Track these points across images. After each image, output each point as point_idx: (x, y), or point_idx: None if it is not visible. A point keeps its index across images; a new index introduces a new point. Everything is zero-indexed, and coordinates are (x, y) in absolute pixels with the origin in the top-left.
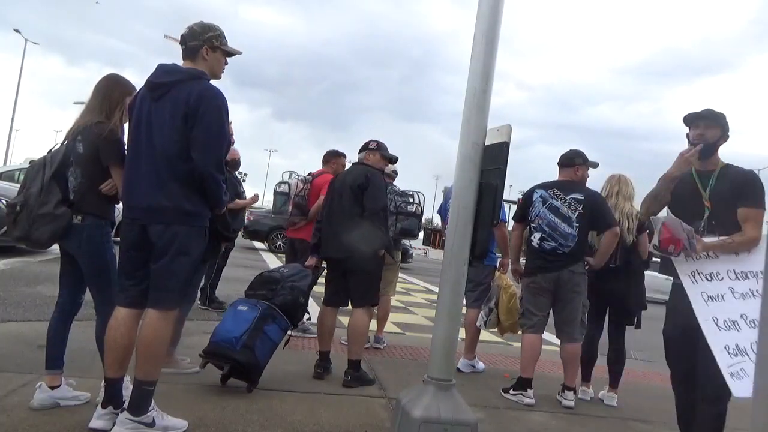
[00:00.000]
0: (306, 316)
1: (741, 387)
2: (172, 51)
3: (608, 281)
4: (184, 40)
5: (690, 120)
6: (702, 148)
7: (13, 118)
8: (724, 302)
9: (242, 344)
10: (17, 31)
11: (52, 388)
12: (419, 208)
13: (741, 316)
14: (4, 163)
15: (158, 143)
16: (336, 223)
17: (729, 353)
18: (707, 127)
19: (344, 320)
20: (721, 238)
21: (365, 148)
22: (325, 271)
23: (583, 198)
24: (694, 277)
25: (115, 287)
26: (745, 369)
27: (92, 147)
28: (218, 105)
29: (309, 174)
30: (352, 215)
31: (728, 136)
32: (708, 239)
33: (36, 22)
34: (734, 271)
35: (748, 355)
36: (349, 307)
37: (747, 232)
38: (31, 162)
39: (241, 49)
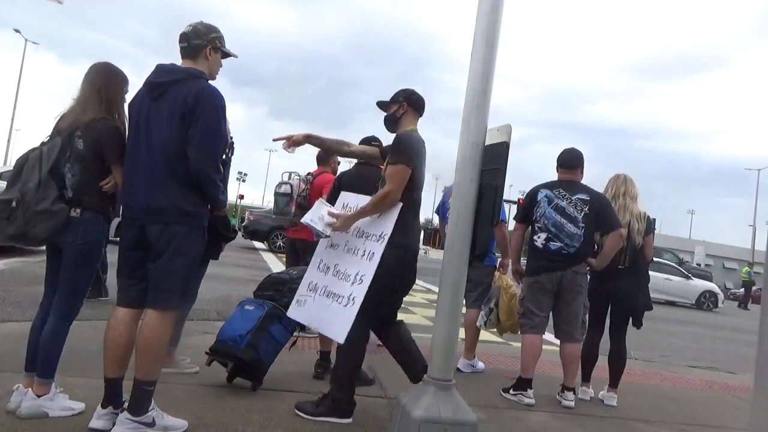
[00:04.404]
0: None
1: (295, 312)
2: (171, 49)
3: (616, 282)
4: (187, 38)
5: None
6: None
7: (13, 118)
8: (335, 251)
9: (246, 343)
10: (17, 31)
11: (39, 395)
12: None
13: (335, 265)
14: (4, 163)
15: (157, 143)
16: None
17: (307, 287)
18: (389, 107)
19: None
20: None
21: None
22: None
23: (589, 198)
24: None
25: (84, 296)
26: (307, 302)
27: (95, 144)
28: (216, 104)
29: (308, 174)
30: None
31: (412, 109)
32: (348, 213)
33: (29, 20)
34: (359, 228)
35: (316, 293)
36: None
37: (384, 188)
38: (22, 156)
39: (236, 47)
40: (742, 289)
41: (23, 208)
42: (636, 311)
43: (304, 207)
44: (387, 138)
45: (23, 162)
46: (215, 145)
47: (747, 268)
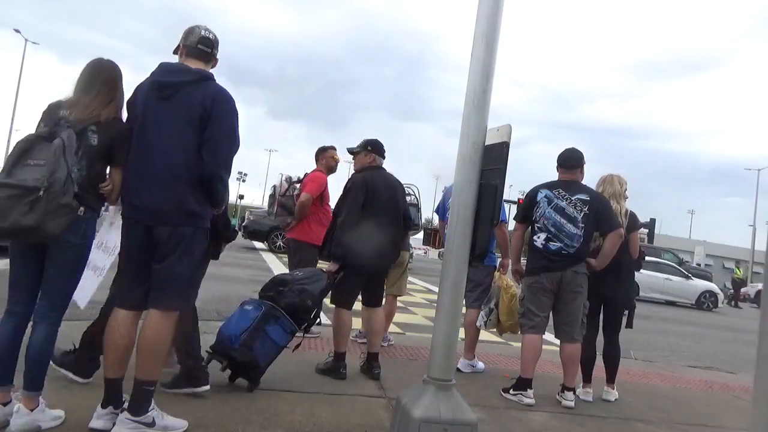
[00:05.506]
0: (317, 320)
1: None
2: (170, 49)
3: (598, 281)
4: (212, 45)
5: None
6: None
7: (13, 118)
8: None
9: (241, 343)
10: (17, 31)
11: (31, 410)
12: (414, 199)
13: (106, 240)
14: None
15: (168, 143)
16: (392, 229)
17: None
18: None
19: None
20: None
21: (382, 153)
22: (341, 275)
23: (588, 199)
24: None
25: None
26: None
27: (109, 142)
28: (232, 108)
29: (305, 174)
30: (400, 222)
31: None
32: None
33: (29, 20)
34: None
35: (88, 268)
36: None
37: None
38: (22, 141)
39: (235, 47)
40: (732, 289)
41: (47, 198)
42: (617, 311)
43: (288, 206)
44: (385, 139)
45: (26, 147)
46: (230, 147)
47: (736, 267)
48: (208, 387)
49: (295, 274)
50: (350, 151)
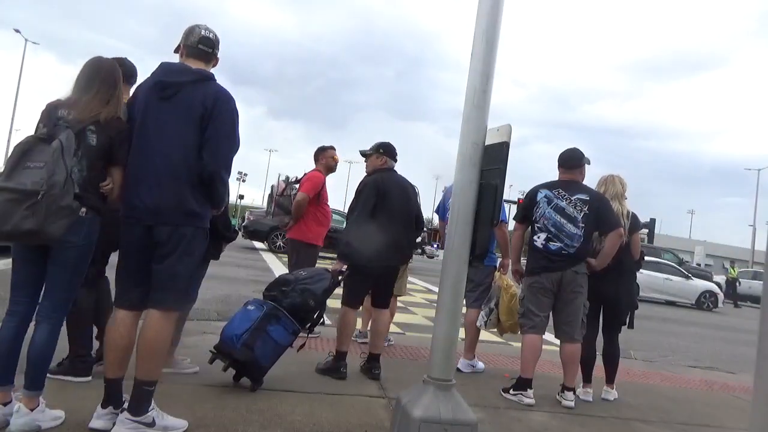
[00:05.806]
0: (321, 320)
1: None
2: (169, 48)
3: (599, 281)
4: (212, 45)
5: None
6: None
7: (13, 118)
8: None
9: (242, 342)
10: (17, 31)
11: (31, 409)
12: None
13: None
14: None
15: (168, 143)
16: (404, 230)
17: None
18: None
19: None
20: None
21: (393, 156)
22: (345, 275)
23: (588, 198)
24: None
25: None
26: None
27: (109, 142)
28: (233, 108)
29: (304, 174)
30: (412, 223)
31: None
32: None
33: (29, 20)
34: None
35: None
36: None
37: None
38: (22, 143)
39: (234, 47)
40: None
41: (47, 201)
42: (620, 311)
43: (285, 206)
44: (386, 138)
45: (26, 149)
46: (231, 147)
47: (730, 267)
48: (90, 378)
49: (299, 273)
50: (362, 153)
